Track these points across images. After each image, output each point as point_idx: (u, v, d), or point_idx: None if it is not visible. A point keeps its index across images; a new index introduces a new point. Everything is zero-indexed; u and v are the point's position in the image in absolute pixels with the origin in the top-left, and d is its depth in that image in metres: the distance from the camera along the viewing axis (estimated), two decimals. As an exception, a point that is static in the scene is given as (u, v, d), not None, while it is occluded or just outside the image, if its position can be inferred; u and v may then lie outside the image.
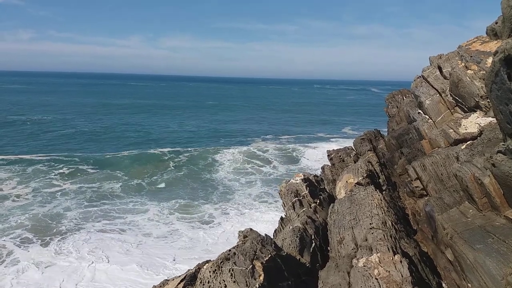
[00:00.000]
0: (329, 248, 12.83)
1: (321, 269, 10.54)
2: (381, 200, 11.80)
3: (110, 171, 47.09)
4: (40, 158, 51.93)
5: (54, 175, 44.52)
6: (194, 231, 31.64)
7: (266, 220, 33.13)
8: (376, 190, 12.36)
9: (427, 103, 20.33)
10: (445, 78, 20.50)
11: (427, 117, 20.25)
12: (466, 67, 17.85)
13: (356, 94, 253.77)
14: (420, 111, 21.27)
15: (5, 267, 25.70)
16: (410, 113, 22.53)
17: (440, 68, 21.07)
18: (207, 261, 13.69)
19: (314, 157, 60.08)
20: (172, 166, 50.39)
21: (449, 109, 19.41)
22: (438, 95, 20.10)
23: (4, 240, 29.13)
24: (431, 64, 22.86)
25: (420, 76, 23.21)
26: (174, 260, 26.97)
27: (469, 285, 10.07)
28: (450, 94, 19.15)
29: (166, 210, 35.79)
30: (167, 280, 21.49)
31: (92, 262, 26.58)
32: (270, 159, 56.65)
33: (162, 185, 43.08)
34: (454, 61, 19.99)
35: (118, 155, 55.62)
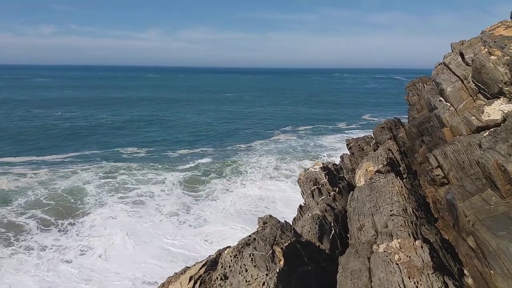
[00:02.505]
0: (348, 235, 12.83)
1: (341, 255, 10.56)
2: (401, 187, 11.73)
3: (128, 165, 47.51)
4: (59, 157, 52.69)
5: (77, 172, 45.20)
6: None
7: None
8: (396, 177, 12.28)
9: (448, 90, 19.98)
10: (467, 64, 20.09)
11: (449, 104, 19.91)
12: (489, 52, 17.45)
13: (376, 83, 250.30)
14: (441, 98, 20.92)
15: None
16: (431, 101, 22.19)
17: (462, 55, 20.65)
18: (227, 247, 13.89)
19: (333, 146, 59.86)
20: (190, 163, 50.39)
21: (471, 96, 19.04)
22: (460, 82, 19.73)
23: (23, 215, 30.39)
24: (452, 51, 22.42)
25: (441, 63, 22.79)
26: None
27: (492, 272, 9.98)
28: (473, 81, 18.78)
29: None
30: (188, 267, 21.86)
31: (112, 242, 27.62)
32: (288, 150, 56.66)
33: (181, 177, 43.20)
34: (477, 46, 19.56)
35: (137, 151, 55.91)
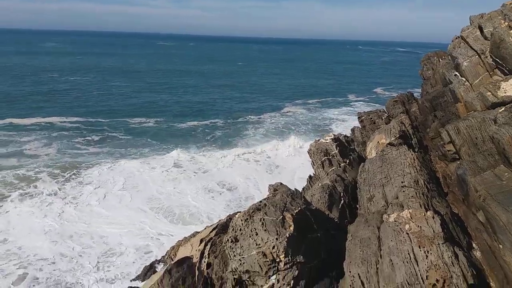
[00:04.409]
0: (358, 206, 12.91)
1: (350, 224, 10.65)
2: (413, 160, 11.68)
3: (138, 137, 47.52)
4: (69, 121, 52.98)
5: (83, 139, 45.51)
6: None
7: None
8: (409, 150, 12.21)
9: (464, 64, 19.59)
10: (485, 38, 19.61)
11: (464, 79, 19.56)
12: (509, 26, 16.99)
13: (390, 56, 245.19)
14: (456, 73, 20.54)
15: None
16: (446, 76, 21.81)
17: (480, 28, 20.13)
18: (237, 212, 14.05)
19: (341, 118, 59.56)
20: (200, 132, 50.33)
21: (488, 71, 18.67)
22: (477, 56, 19.31)
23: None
24: (471, 24, 21.85)
25: (458, 37, 22.27)
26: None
27: (501, 246, 10.01)
28: (490, 56, 18.37)
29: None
30: (197, 232, 22.21)
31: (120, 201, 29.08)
32: (296, 123, 56.40)
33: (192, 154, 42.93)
34: (497, 20, 19.03)
35: (147, 122, 55.66)
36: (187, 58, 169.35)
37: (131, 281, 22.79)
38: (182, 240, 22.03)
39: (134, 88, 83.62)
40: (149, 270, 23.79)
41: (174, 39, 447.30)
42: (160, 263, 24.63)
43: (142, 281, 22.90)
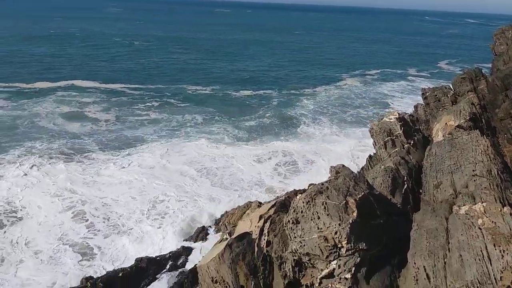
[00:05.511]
0: (421, 191, 12.45)
1: (415, 212, 10.29)
2: (487, 147, 10.98)
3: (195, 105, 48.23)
4: (128, 87, 54.65)
5: (143, 106, 46.89)
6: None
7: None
8: (482, 136, 11.49)
9: (548, 41, 17.96)
10: None
11: (546, 57, 17.99)
12: None
13: (458, 28, 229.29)
14: (538, 50, 18.91)
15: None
16: (525, 53, 20.16)
17: None
18: (296, 192, 14.02)
19: (397, 95, 57.42)
20: (254, 103, 50.37)
21: None
22: None
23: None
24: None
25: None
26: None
27: None
28: None
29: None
30: (250, 202, 22.43)
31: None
32: (350, 96, 55.05)
33: (247, 123, 43.02)
34: None
35: (203, 89, 56.28)
36: (244, 27, 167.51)
37: (184, 241, 24.02)
38: (236, 209, 22.53)
39: (192, 55, 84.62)
40: (201, 232, 24.91)
41: (232, 6, 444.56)
42: (211, 227, 25.60)
43: (194, 242, 24.03)
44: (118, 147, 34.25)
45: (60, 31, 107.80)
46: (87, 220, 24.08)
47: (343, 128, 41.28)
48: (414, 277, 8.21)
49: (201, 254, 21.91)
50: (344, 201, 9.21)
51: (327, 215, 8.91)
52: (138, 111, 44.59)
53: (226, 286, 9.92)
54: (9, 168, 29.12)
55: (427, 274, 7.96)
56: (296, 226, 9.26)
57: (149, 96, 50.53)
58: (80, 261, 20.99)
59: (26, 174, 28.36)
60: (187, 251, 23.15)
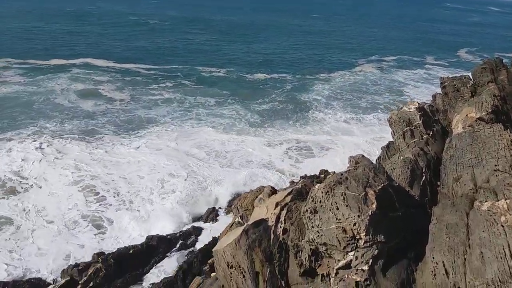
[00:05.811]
0: (439, 184, 12.32)
1: (433, 204, 10.21)
2: (510, 141, 10.78)
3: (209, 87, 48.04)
4: (143, 67, 54.52)
5: (157, 86, 46.90)
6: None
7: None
8: (506, 130, 11.27)
9: None
10: None
11: None
12: None
13: (481, 15, 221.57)
14: None
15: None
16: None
17: None
18: (312, 179, 13.98)
19: (419, 83, 56.56)
20: (268, 87, 49.94)
21: None
22: None
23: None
24: None
25: None
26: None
27: None
28: None
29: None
30: (263, 186, 22.44)
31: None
32: (365, 82, 54.39)
33: (259, 107, 42.78)
34: None
35: (217, 72, 55.93)
36: (261, 9, 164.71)
37: (193, 221, 24.37)
38: (249, 193, 22.62)
39: (207, 36, 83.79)
40: (211, 212, 25.29)
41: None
42: (221, 208, 25.90)
43: (204, 222, 24.39)
44: (131, 128, 34.54)
45: (76, 9, 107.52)
46: (97, 194, 24.87)
47: (357, 114, 40.99)
48: (432, 271, 8.18)
49: (211, 234, 22.36)
50: (364, 192, 9.14)
51: (346, 206, 8.86)
52: (152, 91, 44.68)
53: (242, 272, 9.99)
54: (23, 143, 29.79)
55: (446, 270, 7.91)
56: (314, 216, 9.24)
57: (163, 77, 50.46)
58: (93, 234, 21.53)
59: (39, 148, 29.19)
60: (197, 231, 23.60)
